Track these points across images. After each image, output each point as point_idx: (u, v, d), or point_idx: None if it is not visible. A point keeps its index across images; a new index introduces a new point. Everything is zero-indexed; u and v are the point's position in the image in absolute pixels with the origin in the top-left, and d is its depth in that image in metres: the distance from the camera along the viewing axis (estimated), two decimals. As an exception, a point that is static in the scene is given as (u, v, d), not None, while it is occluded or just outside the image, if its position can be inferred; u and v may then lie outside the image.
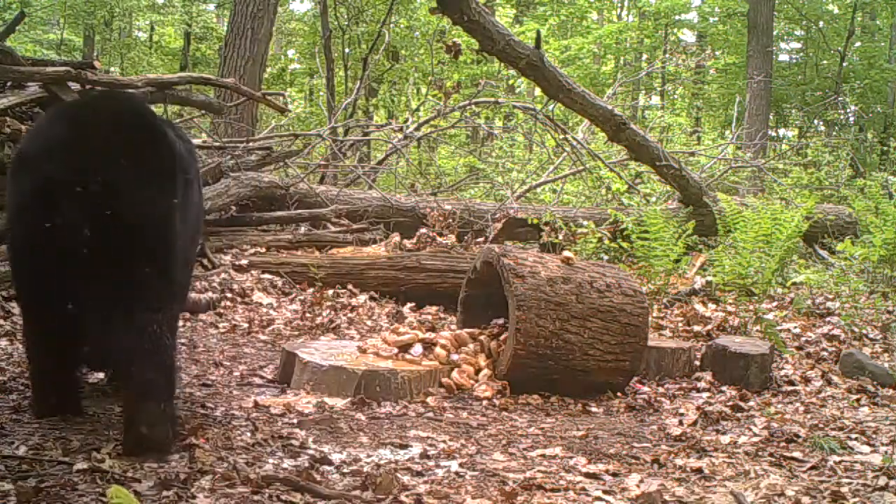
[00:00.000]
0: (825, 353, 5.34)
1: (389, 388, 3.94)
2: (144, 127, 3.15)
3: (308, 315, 5.77)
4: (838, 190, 12.14)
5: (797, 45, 22.84)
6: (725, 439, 3.60)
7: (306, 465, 2.91)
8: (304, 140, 9.77)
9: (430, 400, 3.97)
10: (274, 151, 8.49)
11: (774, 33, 18.50)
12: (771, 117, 18.80)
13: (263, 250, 6.91)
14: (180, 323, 5.33)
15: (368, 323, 5.79)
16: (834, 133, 18.19)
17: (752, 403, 4.24)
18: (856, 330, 5.88)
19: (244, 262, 6.50)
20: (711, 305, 6.43)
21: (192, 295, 4.32)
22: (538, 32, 7.57)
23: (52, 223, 2.88)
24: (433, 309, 6.20)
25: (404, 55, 17.67)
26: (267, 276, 6.43)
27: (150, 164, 3.05)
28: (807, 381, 4.75)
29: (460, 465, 3.08)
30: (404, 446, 3.27)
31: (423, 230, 7.31)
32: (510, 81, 14.03)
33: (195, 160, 3.57)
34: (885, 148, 17.29)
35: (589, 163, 9.72)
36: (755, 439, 3.61)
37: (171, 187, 3.08)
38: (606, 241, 7.68)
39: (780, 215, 7.38)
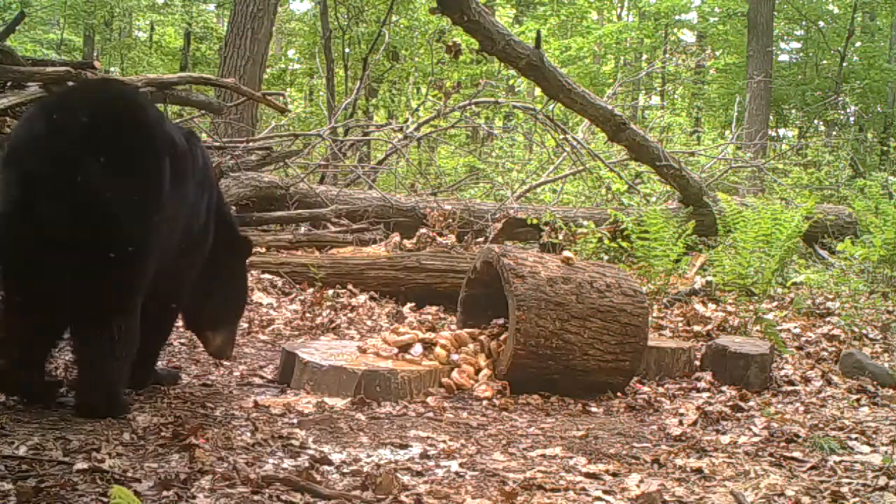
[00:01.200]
0: (825, 353, 5.34)
1: (389, 388, 3.94)
2: (125, 118, 3.18)
3: (308, 315, 5.77)
4: (838, 190, 12.15)
5: (797, 45, 22.86)
6: (725, 439, 3.59)
7: (306, 465, 2.91)
8: (304, 140, 9.78)
9: (430, 400, 3.97)
10: (274, 151, 8.50)
11: (774, 33, 18.50)
12: (771, 117, 18.80)
13: (263, 250, 6.90)
14: (180, 322, 5.34)
15: (368, 323, 5.79)
16: (834, 133, 18.19)
17: (752, 403, 4.24)
18: (856, 330, 5.88)
19: (244, 262, 6.49)
20: (711, 305, 6.43)
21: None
22: (538, 32, 7.57)
23: (24, 213, 2.98)
24: (433, 309, 6.20)
25: (404, 55, 17.67)
26: (267, 276, 6.42)
27: (126, 155, 3.09)
28: (807, 381, 4.75)
29: (460, 465, 3.08)
30: (404, 446, 3.27)
31: (423, 230, 7.31)
32: (510, 81, 14.04)
33: (194, 157, 3.54)
34: (885, 148, 17.29)
35: (589, 163, 9.73)
36: (755, 439, 3.61)
37: (145, 179, 3.13)
38: (606, 241, 7.68)
39: (780, 215, 7.38)
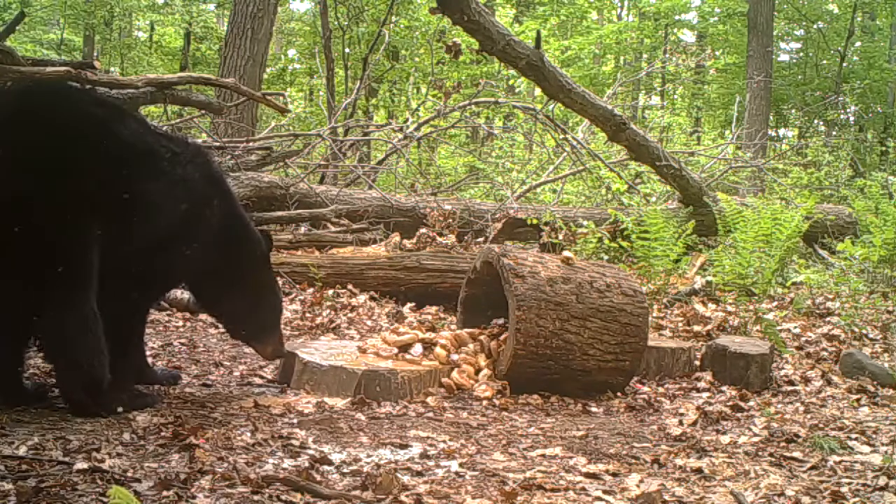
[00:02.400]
0: (825, 353, 5.34)
1: (389, 388, 3.94)
2: (45, 116, 3.18)
3: (308, 315, 5.77)
4: (838, 190, 12.15)
5: (797, 45, 22.88)
6: (725, 439, 3.59)
7: (306, 465, 2.91)
8: (304, 140, 9.78)
9: (430, 400, 3.97)
10: (274, 151, 8.50)
11: (774, 33, 18.51)
12: (771, 117, 18.81)
13: (263, 250, 6.90)
14: (180, 323, 5.34)
15: (368, 323, 5.79)
16: (834, 133, 18.20)
17: (752, 403, 4.24)
18: (856, 330, 5.88)
19: (244, 262, 6.48)
20: (711, 305, 6.43)
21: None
22: (538, 32, 7.57)
23: None
24: (433, 309, 6.20)
25: (404, 55, 17.68)
26: (267, 276, 6.42)
27: (36, 152, 3.09)
28: (807, 381, 4.75)
29: (460, 465, 3.08)
30: (404, 446, 3.27)
31: (423, 230, 7.32)
32: (510, 81, 14.04)
33: (167, 161, 3.45)
34: (885, 148, 17.30)
35: (589, 163, 9.73)
36: (755, 439, 3.61)
37: (58, 176, 3.11)
38: (606, 241, 7.68)
39: (780, 215, 7.38)
